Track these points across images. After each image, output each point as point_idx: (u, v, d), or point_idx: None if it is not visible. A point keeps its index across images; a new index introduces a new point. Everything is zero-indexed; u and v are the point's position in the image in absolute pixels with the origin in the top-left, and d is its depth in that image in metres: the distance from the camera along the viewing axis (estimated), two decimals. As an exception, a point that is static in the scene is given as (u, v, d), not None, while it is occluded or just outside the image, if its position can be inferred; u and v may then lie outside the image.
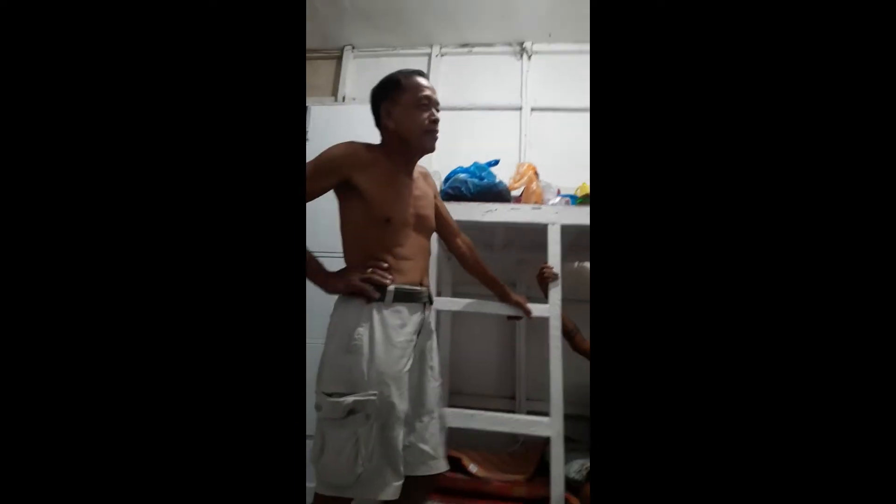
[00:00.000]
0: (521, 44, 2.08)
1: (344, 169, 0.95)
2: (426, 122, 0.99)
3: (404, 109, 0.99)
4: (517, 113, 2.03)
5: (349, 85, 2.14)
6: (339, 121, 1.89)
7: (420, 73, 1.03)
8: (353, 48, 2.18)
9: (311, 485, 0.90)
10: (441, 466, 0.97)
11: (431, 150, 1.03)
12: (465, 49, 2.12)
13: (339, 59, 2.18)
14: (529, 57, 2.07)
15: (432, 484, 1.00)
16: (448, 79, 2.10)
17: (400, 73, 1.02)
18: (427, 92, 1.00)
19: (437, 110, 1.01)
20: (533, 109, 2.02)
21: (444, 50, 2.13)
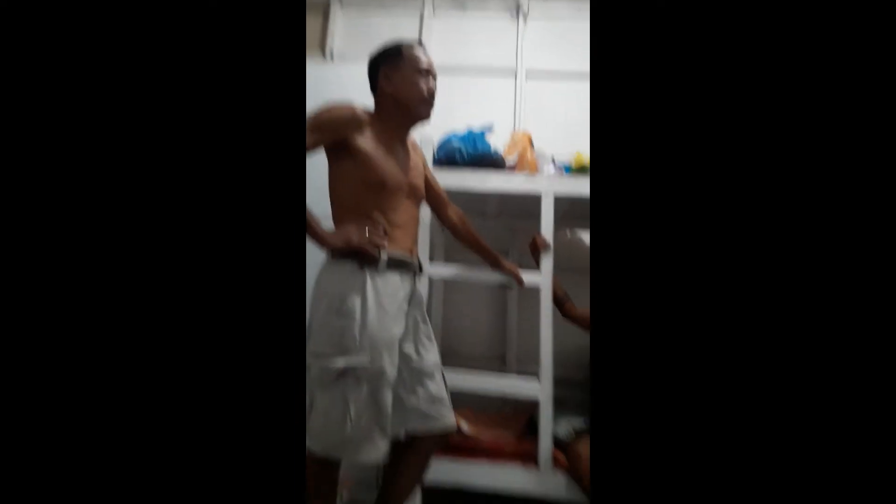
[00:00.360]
0: (518, 4, 2.01)
1: (342, 129, 0.95)
2: (424, 90, 1.00)
3: (404, 76, 1.00)
4: (512, 78, 1.98)
5: (337, 41, 2.06)
6: (329, 80, 1.84)
7: (421, 45, 1.05)
8: (341, 0, 2.08)
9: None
10: (449, 424, 1.01)
11: (427, 118, 1.04)
12: (459, 8, 2.04)
13: (326, 11, 2.08)
14: (525, 19, 2.00)
15: (442, 441, 1.04)
16: (441, 39, 2.03)
17: (401, 42, 1.04)
18: (427, 63, 1.02)
19: (435, 82, 1.03)
20: (528, 75, 1.97)
21: (437, 8, 2.05)
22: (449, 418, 1.01)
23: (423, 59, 1.02)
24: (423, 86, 1.00)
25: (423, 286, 1.30)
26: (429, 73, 1.02)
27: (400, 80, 1.00)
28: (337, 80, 1.85)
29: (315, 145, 0.93)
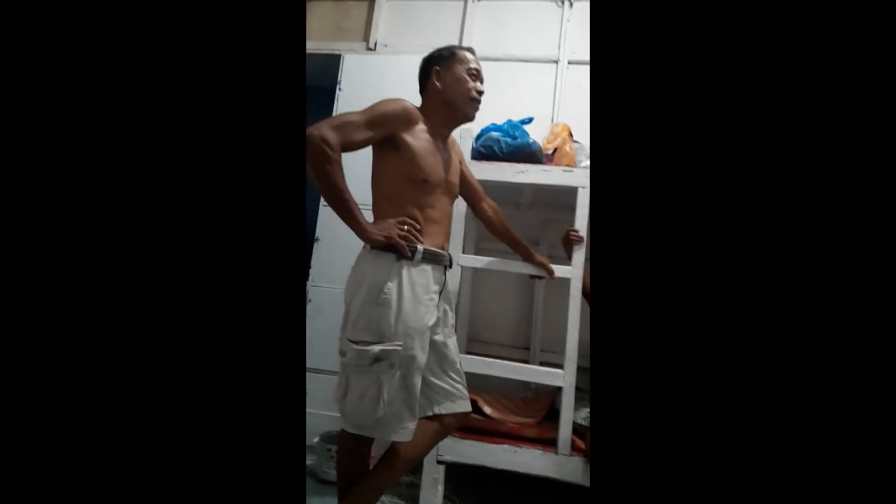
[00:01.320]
0: (563, -9, 1.98)
1: (394, 124, 1.00)
2: (473, 91, 1.06)
3: (455, 76, 1.06)
4: (553, 66, 1.96)
5: (381, 30, 2.09)
6: (374, 71, 1.87)
7: (472, 51, 1.11)
8: (387, -11, 2.10)
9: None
10: (468, 406, 1.10)
11: (471, 119, 1.10)
12: (504, -6, 2.03)
13: (372, 2, 2.11)
14: (571, 4, 1.97)
15: (463, 419, 1.12)
16: (483, 26, 2.02)
17: (454, 46, 1.10)
18: (477, 66, 1.08)
19: (483, 85, 1.09)
20: (570, 63, 1.95)
21: (481, -6, 2.04)
22: (468, 402, 1.10)
23: (473, 62, 1.08)
24: (472, 86, 1.06)
25: (454, 276, 1.35)
26: (478, 76, 1.08)
27: (451, 79, 1.06)
28: (381, 71, 1.89)
29: (370, 141, 0.99)
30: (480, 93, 1.08)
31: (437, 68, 1.07)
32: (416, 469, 1.35)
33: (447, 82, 1.06)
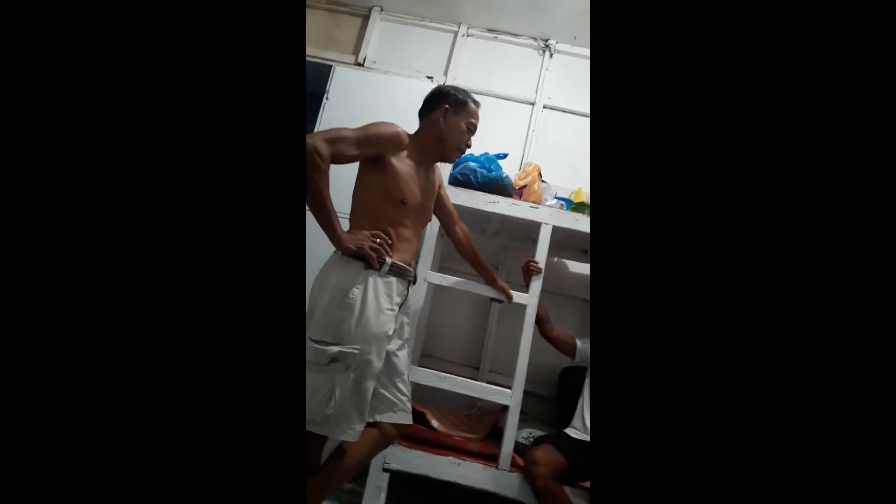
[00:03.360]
0: (546, 41, 2.15)
1: (385, 147, 1.08)
2: (463, 144, 1.18)
3: (458, 124, 1.16)
4: (529, 107, 2.12)
5: (372, 46, 2.16)
6: (362, 85, 1.94)
7: (479, 105, 1.22)
8: (382, 10, 2.19)
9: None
10: (409, 419, 1.15)
11: (450, 162, 1.24)
12: (492, 34, 2.17)
13: (366, 17, 2.19)
14: (551, 55, 2.15)
15: (403, 430, 1.17)
16: (469, 60, 2.15)
17: (469, 96, 1.19)
18: (477, 122, 1.19)
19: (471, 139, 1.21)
20: (545, 107, 2.11)
21: (470, 31, 2.17)
22: (409, 415, 1.15)
23: (475, 118, 1.19)
24: (465, 139, 1.18)
25: (420, 292, 1.42)
26: (473, 131, 1.19)
27: (454, 125, 1.16)
28: (368, 87, 1.95)
29: (358, 157, 1.06)
30: (469, 146, 1.20)
31: (447, 107, 1.15)
32: (360, 476, 1.38)
33: (450, 125, 1.15)
